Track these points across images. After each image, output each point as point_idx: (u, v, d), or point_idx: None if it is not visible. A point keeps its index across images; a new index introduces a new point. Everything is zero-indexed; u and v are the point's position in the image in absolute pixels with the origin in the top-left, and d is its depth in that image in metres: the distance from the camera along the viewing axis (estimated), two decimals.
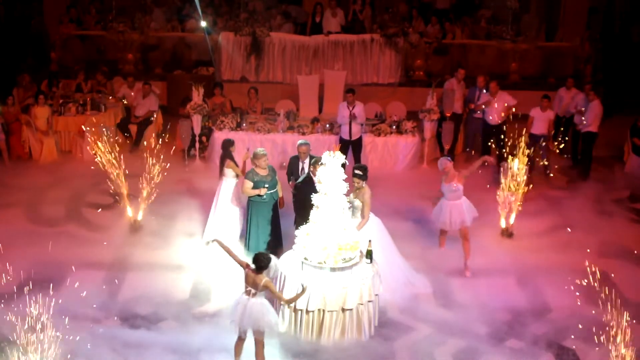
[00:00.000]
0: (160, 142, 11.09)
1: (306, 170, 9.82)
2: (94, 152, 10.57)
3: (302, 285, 7.49)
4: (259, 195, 9.46)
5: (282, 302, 7.66)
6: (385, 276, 8.69)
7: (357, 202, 8.91)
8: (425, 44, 17.50)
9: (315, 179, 9.07)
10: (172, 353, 7.78)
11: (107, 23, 17.52)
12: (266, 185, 9.43)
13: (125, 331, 8.11)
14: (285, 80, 16.99)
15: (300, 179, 9.48)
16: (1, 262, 9.50)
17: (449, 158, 9.88)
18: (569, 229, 9.80)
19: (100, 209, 11.26)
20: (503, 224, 10.82)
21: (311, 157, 9.78)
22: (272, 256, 7.29)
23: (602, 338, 6.96)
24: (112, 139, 10.67)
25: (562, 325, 8.33)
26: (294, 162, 10.33)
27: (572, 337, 8.08)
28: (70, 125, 14.27)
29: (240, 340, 7.45)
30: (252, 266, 7.21)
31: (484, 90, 13.97)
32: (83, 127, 12.77)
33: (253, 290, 7.18)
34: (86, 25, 18.21)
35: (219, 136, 13.51)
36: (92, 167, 10.67)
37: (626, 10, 19.92)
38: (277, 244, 9.67)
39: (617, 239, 10.78)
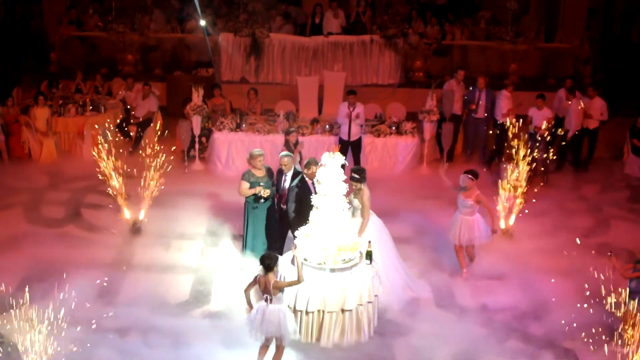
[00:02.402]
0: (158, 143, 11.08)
1: (288, 184, 9.48)
2: (94, 153, 10.54)
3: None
4: (254, 195, 9.44)
5: (298, 283, 7.36)
6: (384, 279, 8.68)
7: (357, 203, 8.92)
8: (425, 45, 17.49)
9: (309, 181, 9.06)
10: (172, 354, 7.78)
11: (106, 24, 17.52)
12: (261, 184, 9.39)
13: (124, 332, 8.10)
14: (285, 81, 16.99)
15: (294, 182, 9.40)
16: (1, 262, 9.55)
17: (470, 176, 9.37)
18: (577, 240, 9.72)
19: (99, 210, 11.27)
20: (503, 225, 10.82)
21: (295, 172, 9.57)
22: (278, 255, 7.37)
23: (602, 338, 6.96)
24: (112, 140, 10.65)
25: (562, 326, 8.31)
26: (278, 175, 9.74)
27: (572, 337, 8.08)
28: (69, 126, 14.26)
29: (265, 347, 7.42)
30: (261, 271, 7.19)
31: (483, 91, 14.00)
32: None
33: (269, 296, 7.16)
34: (86, 26, 18.21)
35: (218, 137, 13.52)
36: (97, 169, 10.64)
37: (626, 11, 19.95)
38: (274, 244, 9.64)
39: (617, 240, 10.77)
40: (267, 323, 7.14)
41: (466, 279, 9.56)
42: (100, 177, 10.68)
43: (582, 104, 13.69)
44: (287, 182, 9.50)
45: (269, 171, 9.60)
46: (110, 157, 10.41)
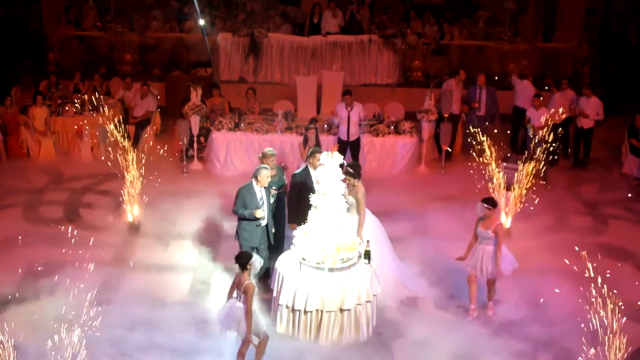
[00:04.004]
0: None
1: (265, 201, 8.74)
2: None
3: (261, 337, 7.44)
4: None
5: (246, 315, 7.25)
6: (380, 277, 8.67)
7: (352, 199, 8.89)
8: (424, 44, 17.52)
9: (313, 171, 9.04)
10: (170, 354, 7.78)
11: (105, 24, 17.51)
12: (273, 187, 9.36)
13: (123, 332, 8.10)
14: (283, 81, 17.00)
15: (298, 171, 9.35)
16: (0, 262, 9.54)
17: (487, 205, 8.52)
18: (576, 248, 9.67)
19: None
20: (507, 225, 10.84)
21: (273, 185, 9.20)
22: (254, 254, 7.47)
23: (601, 339, 6.97)
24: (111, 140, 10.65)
25: (561, 326, 8.33)
26: (249, 190, 8.70)
27: (571, 338, 8.07)
28: (68, 125, 14.24)
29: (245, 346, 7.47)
30: (237, 269, 7.34)
31: (484, 88, 14.05)
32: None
33: (241, 294, 7.27)
34: (85, 17, 18.19)
35: (217, 137, 13.52)
36: (97, 169, 10.60)
37: (624, 12, 19.97)
38: (279, 244, 9.62)
39: (615, 240, 10.80)
40: (229, 318, 7.29)
41: (472, 318, 8.74)
42: (100, 177, 10.68)
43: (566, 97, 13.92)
44: (263, 197, 8.78)
45: (280, 170, 9.65)
46: (109, 157, 10.42)
